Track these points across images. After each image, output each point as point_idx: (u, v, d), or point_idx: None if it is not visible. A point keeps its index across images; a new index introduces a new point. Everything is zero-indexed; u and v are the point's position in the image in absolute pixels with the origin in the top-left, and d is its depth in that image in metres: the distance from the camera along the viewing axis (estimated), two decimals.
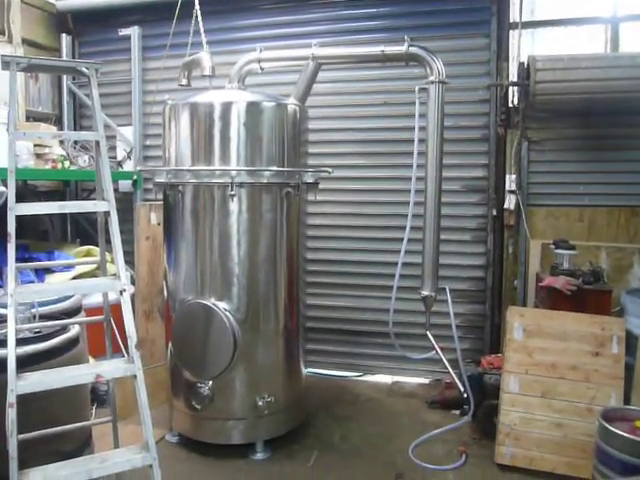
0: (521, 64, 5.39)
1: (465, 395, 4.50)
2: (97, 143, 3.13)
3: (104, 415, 3.74)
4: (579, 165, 5.55)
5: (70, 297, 4.60)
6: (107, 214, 3.03)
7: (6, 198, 2.83)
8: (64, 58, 6.52)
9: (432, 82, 4.41)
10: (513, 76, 5.58)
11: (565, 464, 4.01)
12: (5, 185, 2.92)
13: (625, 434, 3.26)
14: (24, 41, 6.13)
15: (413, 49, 4.43)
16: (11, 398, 2.54)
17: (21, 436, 2.86)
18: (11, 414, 2.52)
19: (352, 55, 4.94)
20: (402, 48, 4.43)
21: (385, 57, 4.55)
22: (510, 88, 5.58)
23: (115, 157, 6.68)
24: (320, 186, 4.72)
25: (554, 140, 5.59)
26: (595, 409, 3.85)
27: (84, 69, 3.14)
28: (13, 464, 2.46)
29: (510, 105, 5.63)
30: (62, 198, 6.89)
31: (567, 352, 4.14)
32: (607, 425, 3.36)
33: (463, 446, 4.44)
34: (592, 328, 4.14)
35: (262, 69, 4.79)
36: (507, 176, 5.63)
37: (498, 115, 5.63)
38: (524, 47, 5.62)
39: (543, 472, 4.04)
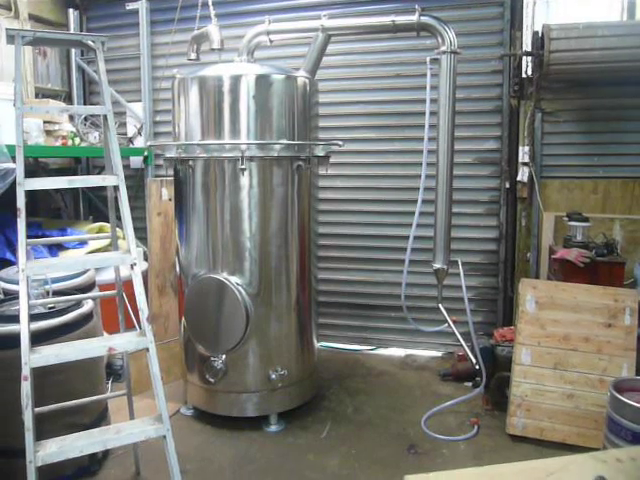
0: (535, 33, 5.27)
1: (477, 367, 4.52)
2: (105, 117, 3.12)
3: (120, 390, 3.79)
4: (594, 136, 5.46)
5: (83, 273, 4.65)
6: (116, 188, 3.02)
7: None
8: None
9: (444, 52, 4.35)
10: (527, 46, 5.45)
11: (576, 434, 4.02)
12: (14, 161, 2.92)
13: (636, 404, 3.24)
14: (31, 17, 6.07)
15: (424, 19, 4.35)
16: (25, 371, 2.57)
17: (38, 409, 2.92)
18: (26, 387, 2.56)
19: (362, 26, 4.83)
20: (413, 18, 4.35)
21: (396, 27, 4.47)
22: (524, 58, 5.47)
23: (125, 133, 6.67)
24: (331, 160, 4.68)
25: (568, 111, 5.49)
26: (607, 380, 3.84)
27: (90, 42, 3.12)
28: (29, 435, 2.50)
29: (524, 76, 5.52)
30: (73, 175, 6.90)
31: (579, 324, 4.13)
32: (618, 395, 3.34)
33: (475, 417, 4.46)
34: (605, 300, 4.12)
35: (271, 41, 4.75)
36: (520, 148, 5.55)
37: (511, 86, 5.54)
38: (538, 16, 5.49)
39: (554, 442, 4.05)
